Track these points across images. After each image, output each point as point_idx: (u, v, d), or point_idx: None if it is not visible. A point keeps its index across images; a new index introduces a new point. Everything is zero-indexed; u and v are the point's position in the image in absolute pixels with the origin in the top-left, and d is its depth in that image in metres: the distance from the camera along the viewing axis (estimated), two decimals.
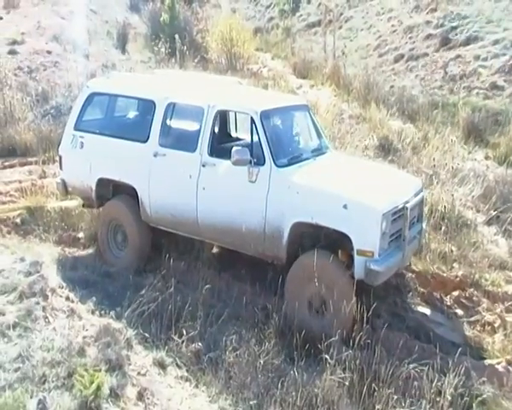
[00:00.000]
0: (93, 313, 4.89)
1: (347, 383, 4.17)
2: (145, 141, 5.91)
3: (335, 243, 5.02)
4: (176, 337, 4.63)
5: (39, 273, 5.05)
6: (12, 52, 12.75)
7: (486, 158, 9.64)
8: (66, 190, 6.65)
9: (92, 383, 3.66)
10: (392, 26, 17.01)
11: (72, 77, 11.07)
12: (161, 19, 17.20)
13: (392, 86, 13.66)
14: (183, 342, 4.59)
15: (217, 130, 6.37)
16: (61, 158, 6.65)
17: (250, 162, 5.24)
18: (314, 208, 5.01)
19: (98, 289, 5.43)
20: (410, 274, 6.07)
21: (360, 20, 18.59)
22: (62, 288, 5.16)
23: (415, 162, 8.91)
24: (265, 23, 22.13)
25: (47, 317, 4.45)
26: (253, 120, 5.42)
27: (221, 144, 5.87)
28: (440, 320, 5.50)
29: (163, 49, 14.93)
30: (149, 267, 5.94)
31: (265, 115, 5.47)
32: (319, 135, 6.33)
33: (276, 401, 4.00)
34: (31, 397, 3.56)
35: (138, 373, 4.16)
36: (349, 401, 4.12)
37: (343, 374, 4.18)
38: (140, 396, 3.91)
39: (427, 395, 4.07)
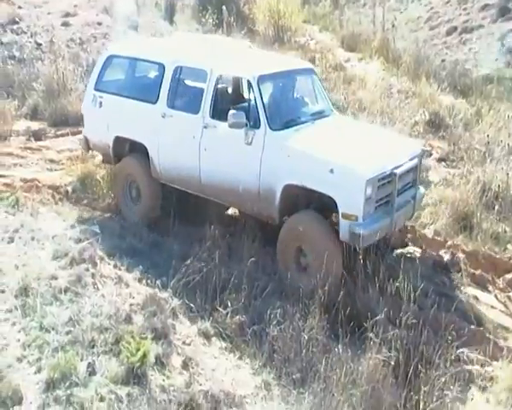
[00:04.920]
0: (140, 281, 4.98)
1: (393, 363, 4.10)
2: (155, 102, 6.17)
3: (326, 205, 5.18)
4: (220, 309, 4.66)
5: (89, 241, 5.19)
6: (65, 24, 12.92)
7: None
8: (88, 146, 6.99)
9: (138, 350, 3.75)
10: None
11: None
12: None
13: (443, 60, 13.17)
14: (227, 313, 4.61)
15: (230, 92, 6.55)
16: (82, 116, 7.00)
17: (246, 125, 5.42)
18: (303, 171, 5.18)
19: (144, 257, 5.50)
20: (459, 254, 5.87)
21: None
22: (110, 255, 5.28)
23: (466, 139, 8.59)
24: None
25: (96, 283, 4.57)
26: (250, 84, 5.63)
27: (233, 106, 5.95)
28: (492, 303, 5.31)
29: (210, 21, 14.81)
30: (195, 238, 5.97)
31: (263, 80, 5.63)
32: (323, 98, 6.40)
33: (320, 377, 3.97)
34: (81, 360, 3.68)
35: (183, 343, 4.23)
36: (394, 381, 4.06)
37: (388, 353, 4.11)
38: (185, 365, 3.97)
39: (476, 380, 3.95)
